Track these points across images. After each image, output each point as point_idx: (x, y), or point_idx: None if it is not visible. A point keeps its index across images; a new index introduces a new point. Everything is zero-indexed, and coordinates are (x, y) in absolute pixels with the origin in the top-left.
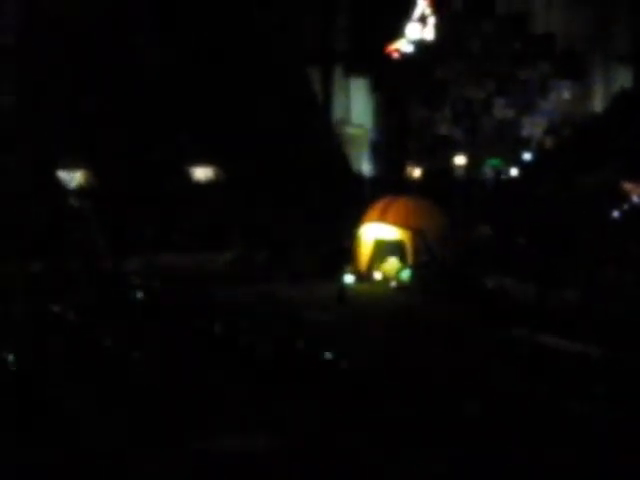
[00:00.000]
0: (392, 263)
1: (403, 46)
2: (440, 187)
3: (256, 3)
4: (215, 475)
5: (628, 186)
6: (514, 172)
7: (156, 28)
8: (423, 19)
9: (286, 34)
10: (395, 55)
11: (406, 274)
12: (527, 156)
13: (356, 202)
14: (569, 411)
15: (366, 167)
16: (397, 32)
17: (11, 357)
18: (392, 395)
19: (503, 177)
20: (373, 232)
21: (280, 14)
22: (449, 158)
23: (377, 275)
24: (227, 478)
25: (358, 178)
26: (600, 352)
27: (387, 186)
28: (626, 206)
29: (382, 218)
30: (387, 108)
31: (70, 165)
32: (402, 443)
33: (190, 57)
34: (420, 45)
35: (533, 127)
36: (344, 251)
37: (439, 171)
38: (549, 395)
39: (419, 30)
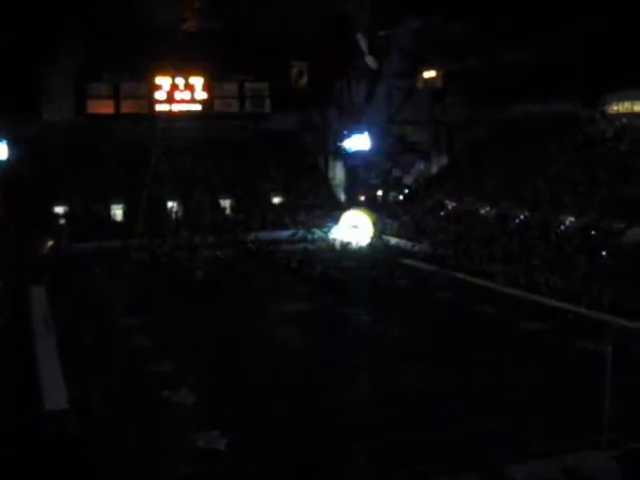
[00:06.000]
0: (359, 235)
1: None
2: (371, 204)
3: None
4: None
5: (446, 201)
6: (400, 197)
7: None
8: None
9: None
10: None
11: (367, 240)
12: (405, 191)
13: (339, 210)
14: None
15: (342, 197)
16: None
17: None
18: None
19: (396, 200)
20: (349, 219)
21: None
22: (375, 192)
23: (352, 241)
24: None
25: (340, 202)
26: (447, 272)
27: (351, 205)
28: (445, 211)
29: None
30: (350, 174)
31: (224, 196)
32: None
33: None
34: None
35: (408, 179)
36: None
37: (371, 198)
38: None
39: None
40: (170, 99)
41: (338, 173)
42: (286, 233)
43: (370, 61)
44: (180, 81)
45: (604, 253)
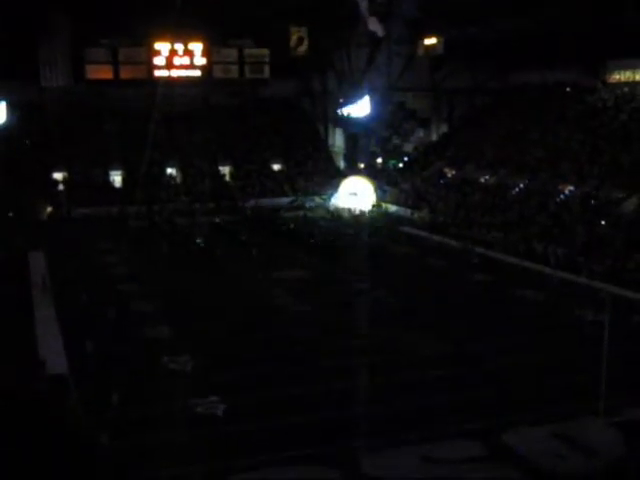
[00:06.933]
0: (359, 203)
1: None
2: (370, 172)
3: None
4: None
5: (446, 169)
6: (400, 165)
7: None
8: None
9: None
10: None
11: (366, 207)
12: (405, 159)
13: (339, 177)
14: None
15: (342, 164)
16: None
17: (201, 240)
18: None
19: (395, 167)
20: (349, 187)
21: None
22: (375, 160)
23: (351, 208)
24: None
25: (339, 169)
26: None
27: (351, 172)
28: (444, 179)
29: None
30: (350, 141)
31: (223, 163)
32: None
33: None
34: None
35: (408, 147)
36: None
37: (370, 165)
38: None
39: (360, 108)
40: (169, 65)
41: (338, 140)
42: (285, 200)
43: (373, 24)
44: (179, 47)
45: (603, 222)
